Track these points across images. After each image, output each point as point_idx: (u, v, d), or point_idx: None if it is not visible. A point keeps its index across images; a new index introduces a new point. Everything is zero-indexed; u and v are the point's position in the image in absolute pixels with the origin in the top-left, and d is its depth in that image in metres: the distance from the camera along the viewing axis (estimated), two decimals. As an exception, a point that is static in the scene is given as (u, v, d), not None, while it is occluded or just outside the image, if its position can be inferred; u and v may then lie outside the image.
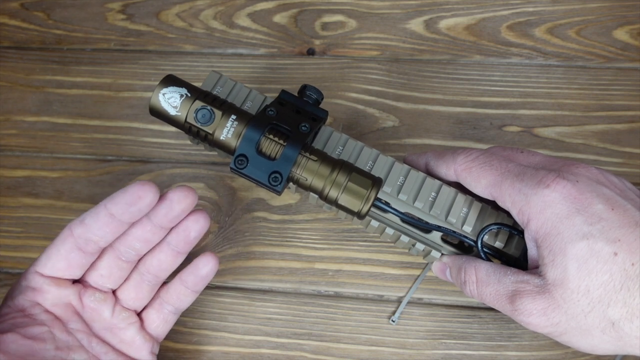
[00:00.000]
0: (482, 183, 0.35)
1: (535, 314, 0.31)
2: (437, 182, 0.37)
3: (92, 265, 0.36)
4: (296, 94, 0.38)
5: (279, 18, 0.52)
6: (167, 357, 0.43)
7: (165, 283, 0.39)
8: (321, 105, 0.43)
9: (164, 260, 0.37)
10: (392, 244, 0.44)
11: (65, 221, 0.47)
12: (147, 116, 0.49)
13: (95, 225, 0.34)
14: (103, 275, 0.37)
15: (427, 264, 0.44)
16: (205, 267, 0.38)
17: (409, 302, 0.44)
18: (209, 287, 0.44)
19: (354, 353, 0.43)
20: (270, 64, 0.50)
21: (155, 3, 0.53)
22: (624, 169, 0.46)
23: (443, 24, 0.50)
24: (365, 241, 0.45)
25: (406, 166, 0.38)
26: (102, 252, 0.36)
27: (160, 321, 0.39)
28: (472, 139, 0.47)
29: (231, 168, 0.34)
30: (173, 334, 0.43)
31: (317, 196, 0.35)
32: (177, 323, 0.44)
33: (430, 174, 0.39)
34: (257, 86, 0.49)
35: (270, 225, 0.46)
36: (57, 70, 0.51)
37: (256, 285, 0.45)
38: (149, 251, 0.37)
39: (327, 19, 0.51)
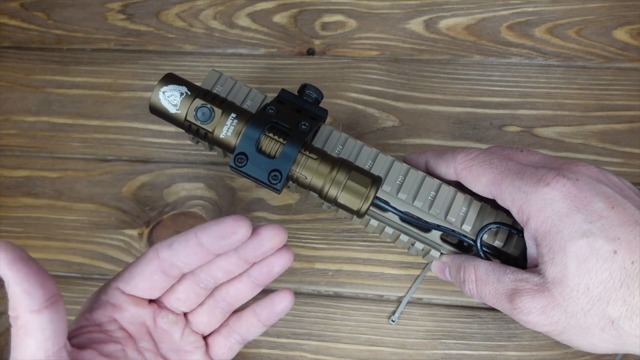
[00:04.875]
0: (482, 181, 0.35)
1: (535, 312, 0.31)
2: (437, 181, 0.37)
3: (171, 288, 0.36)
4: (296, 93, 0.38)
5: (278, 18, 0.52)
6: (167, 356, 0.43)
7: (235, 311, 0.39)
8: (321, 105, 0.43)
9: (242, 291, 0.37)
10: (392, 244, 0.44)
11: (65, 221, 0.47)
12: (147, 116, 0.49)
13: (183, 252, 0.33)
14: (179, 299, 0.36)
15: (427, 263, 0.44)
16: (282, 304, 0.37)
17: (408, 302, 0.44)
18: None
19: (354, 353, 0.43)
20: (270, 64, 0.50)
21: (155, 3, 0.53)
22: (624, 169, 0.46)
23: (443, 24, 0.50)
24: (365, 241, 0.45)
25: (406, 165, 0.38)
26: (182, 276, 0.36)
27: (226, 349, 0.38)
28: (471, 139, 0.47)
29: (231, 166, 0.34)
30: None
31: (317, 195, 0.35)
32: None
33: (430, 173, 0.39)
34: (257, 86, 0.49)
35: (270, 225, 0.46)
36: (57, 70, 0.51)
37: (256, 285, 0.45)
38: (228, 280, 0.37)
39: (327, 19, 0.51)
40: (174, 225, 0.46)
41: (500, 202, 0.34)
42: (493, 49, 0.49)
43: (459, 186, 0.38)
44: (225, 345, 0.38)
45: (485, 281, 0.34)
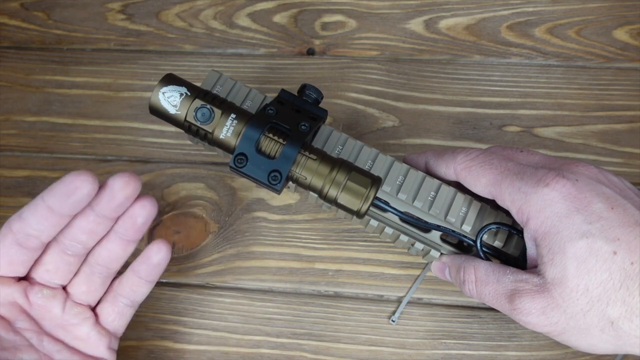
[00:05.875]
0: (481, 182, 0.35)
1: (534, 313, 0.31)
2: (437, 181, 0.37)
3: (37, 260, 0.35)
4: (296, 94, 0.38)
5: (278, 18, 0.52)
6: (167, 357, 0.43)
7: (118, 275, 0.38)
8: (321, 105, 0.43)
9: (113, 250, 0.36)
10: (392, 244, 0.44)
11: (65, 221, 0.47)
12: (147, 116, 0.49)
13: (34, 219, 0.32)
14: (49, 271, 0.35)
15: (427, 263, 0.44)
16: (157, 255, 0.36)
17: (408, 302, 0.44)
18: (210, 287, 0.44)
19: (354, 353, 0.43)
20: (270, 64, 0.50)
21: (155, 3, 0.53)
22: (624, 169, 0.46)
23: (443, 24, 0.50)
24: (365, 241, 0.45)
25: (405, 165, 0.38)
26: (47, 246, 0.34)
27: (115, 315, 0.37)
28: (471, 139, 0.47)
29: (230, 167, 0.34)
30: (173, 334, 0.43)
31: (316, 195, 0.35)
32: (177, 323, 0.44)
33: (430, 173, 0.39)
34: (257, 86, 0.49)
35: (270, 225, 0.46)
36: (57, 70, 0.51)
37: (256, 285, 0.45)
38: (97, 242, 0.36)
39: (327, 19, 0.51)
40: (174, 225, 0.46)
41: (500, 202, 0.34)
42: (493, 49, 0.49)
43: (459, 186, 0.38)
44: (114, 311, 0.37)
45: (485, 281, 0.34)
